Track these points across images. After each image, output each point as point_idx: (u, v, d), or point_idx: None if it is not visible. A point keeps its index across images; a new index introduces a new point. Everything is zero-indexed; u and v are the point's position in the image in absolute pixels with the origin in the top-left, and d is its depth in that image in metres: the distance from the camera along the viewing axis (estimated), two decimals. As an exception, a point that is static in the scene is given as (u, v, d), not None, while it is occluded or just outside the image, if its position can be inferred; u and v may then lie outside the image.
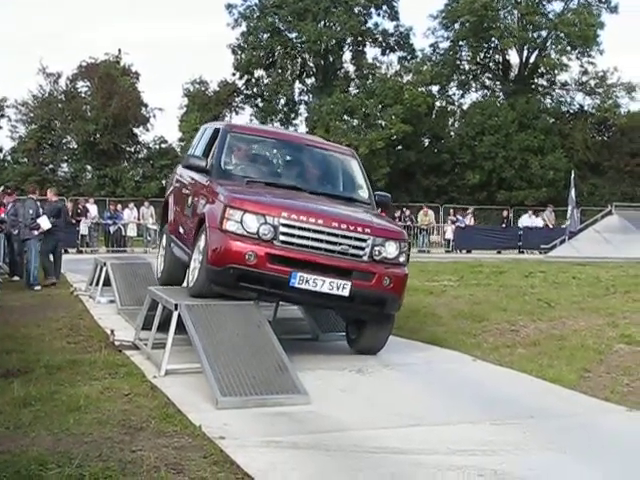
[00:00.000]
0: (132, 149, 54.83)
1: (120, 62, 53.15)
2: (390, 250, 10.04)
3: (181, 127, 55.67)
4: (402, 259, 10.24)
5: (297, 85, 59.36)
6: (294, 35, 56.92)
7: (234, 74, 57.78)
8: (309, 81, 59.68)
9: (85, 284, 17.46)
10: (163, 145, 55.24)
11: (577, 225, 39.56)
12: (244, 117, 58.23)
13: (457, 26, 56.57)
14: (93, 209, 37.62)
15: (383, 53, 59.49)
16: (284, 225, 9.57)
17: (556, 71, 57.57)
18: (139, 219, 37.74)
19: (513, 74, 58.54)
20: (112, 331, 11.31)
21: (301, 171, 11.87)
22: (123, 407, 7.85)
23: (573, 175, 41.22)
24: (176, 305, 9.41)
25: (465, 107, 59.00)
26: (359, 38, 58.36)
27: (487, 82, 59.88)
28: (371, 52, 59.51)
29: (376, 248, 9.90)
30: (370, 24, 58.19)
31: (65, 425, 7.16)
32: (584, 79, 57.47)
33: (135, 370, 9.48)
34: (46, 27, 74.03)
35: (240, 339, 8.97)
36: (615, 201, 42.81)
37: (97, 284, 15.96)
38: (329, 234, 9.69)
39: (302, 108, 58.96)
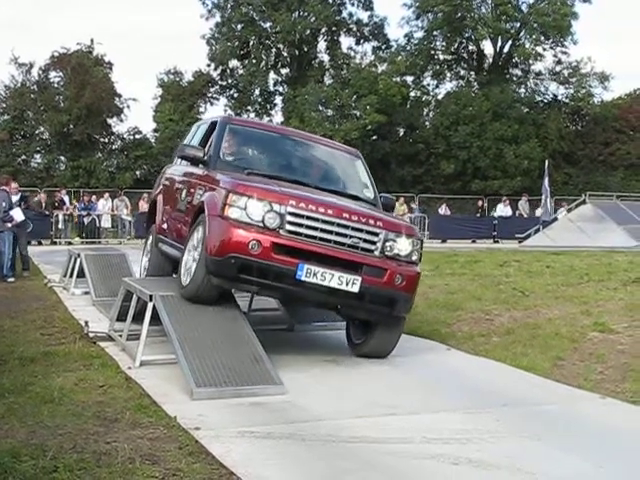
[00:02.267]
0: (106, 140, 54.67)
1: (93, 52, 52.90)
2: (403, 246, 9.46)
3: (155, 117, 55.66)
4: (415, 257, 9.63)
5: (272, 75, 59.45)
6: (268, 25, 57.00)
7: (209, 65, 57.89)
8: (284, 71, 59.75)
9: (59, 275, 17.43)
10: (137, 136, 55.12)
11: (550, 214, 39.75)
12: (219, 108, 58.29)
13: (431, 16, 56.68)
14: (67, 200, 37.55)
15: (357, 43, 59.67)
16: (292, 214, 8.92)
17: (530, 61, 57.88)
18: (113, 210, 37.59)
19: (487, 64, 58.72)
20: (86, 322, 11.25)
21: (305, 166, 11.37)
22: (98, 399, 7.83)
23: (547, 164, 41.41)
24: (151, 296, 9.41)
25: (440, 97, 59.18)
26: (333, 28, 58.43)
27: (461, 72, 60.03)
28: (345, 42, 59.77)
29: (388, 243, 9.33)
30: (344, 14, 58.37)
31: (39, 417, 7.13)
32: (558, 69, 57.79)
33: (110, 361, 9.45)
34: (16, 16, 73.43)
35: (215, 330, 8.97)
36: (589, 190, 42.97)
37: (71, 275, 15.95)
38: (339, 225, 9.08)
39: (277, 98, 58.94)
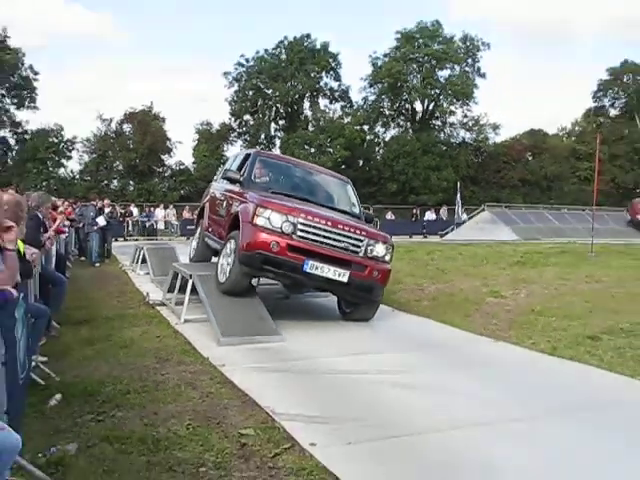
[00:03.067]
0: (160, 169, 54.46)
1: (152, 110, 52.89)
2: (379, 250, 9.23)
3: (193, 154, 55.54)
4: (387, 257, 9.36)
5: (272, 125, 59.14)
6: (270, 91, 56.77)
7: (230, 118, 57.60)
8: (280, 122, 59.37)
9: (129, 262, 17.36)
10: (181, 167, 55.03)
11: (461, 218, 39.88)
12: (236, 147, 58.09)
13: (380, 85, 56.67)
14: (135, 211, 37.67)
15: (330, 102, 59.32)
16: (302, 224, 8.74)
17: (446, 115, 57.88)
18: (165, 217, 37.60)
19: (418, 117, 58.61)
20: (147, 293, 11.25)
21: (311, 188, 10.91)
22: (155, 345, 7.84)
23: (459, 185, 41.55)
24: (190, 275, 9.42)
25: (386, 139, 58.97)
26: (314, 93, 58.28)
27: (401, 122, 59.74)
28: (322, 102, 59.48)
29: (369, 247, 9.12)
30: (322, 83, 58.11)
31: (117, 357, 7.16)
32: (465, 120, 57.79)
33: (163, 320, 9.43)
34: (98, 82, 73.21)
35: (233, 297, 8.91)
36: (487, 202, 43.09)
37: (137, 262, 15.87)
38: (335, 233, 8.89)
39: (276, 141, 58.74)
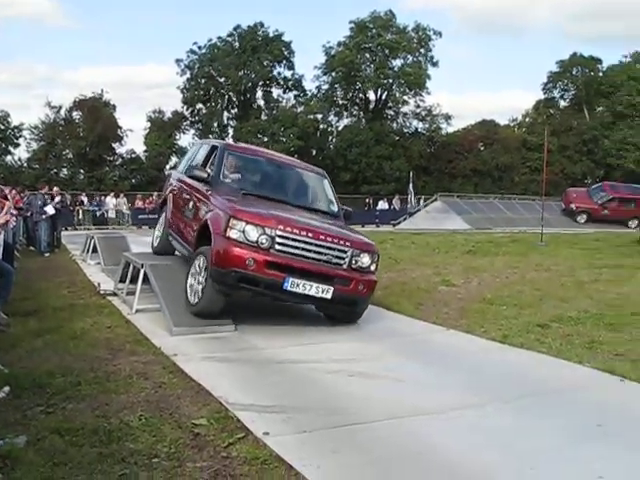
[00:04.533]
0: (111, 158, 53.83)
1: (103, 97, 52.21)
2: (364, 260, 8.45)
3: (145, 143, 55.00)
4: (373, 267, 8.61)
5: (225, 114, 58.77)
6: (223, 80, 56.38)
7: (182, 106, 57.10)
8: (233, 111, 59.05)
9: (79, 251, 17.10)
10: (133, 155, 54.46)
11: (414, 208, 40.20)
12: (188, 136, 57.64)
13: (334, 74, 56.69)
14: (85, 200, 37.27)
15: (284, 92, 59.22)
16: (280, 236, 7.92)
17: (399, 105, 58.25)
18: (116, 206, 37.18)
19: (371, 107, 58.78)
20: (99, 284, 11.11)
21: (286, 187, 9.99)
22: (107, 335, 7.75)
23: (411, 174, 41.83)
24: (142, 264, 9.31)
25: (339, 129, 59.06)
26: (267, 82, 58.06)
27: (354, 112, 59.94)
28: (276, 91, 59.31)
29: (354, 258, 8.34)
30: (275, 72, 57.94)
31: (67, 348, 7.05)
32: (418, 110, 58.15)
33: (115, 310, 9.33)
34: (49, 72, 71.91)
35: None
36: (439, 192, 43.48)
37: (88, 251, 15.63)
38: (317, 245, 8.09)
39: (229, 130, 58.34)
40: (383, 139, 54.42)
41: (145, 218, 35.04)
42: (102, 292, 10.59)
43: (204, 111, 57.45)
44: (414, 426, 4.95)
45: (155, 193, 38.84)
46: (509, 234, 24.80)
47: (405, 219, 38.65)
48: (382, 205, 43.18)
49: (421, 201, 42.14)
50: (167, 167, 54.49)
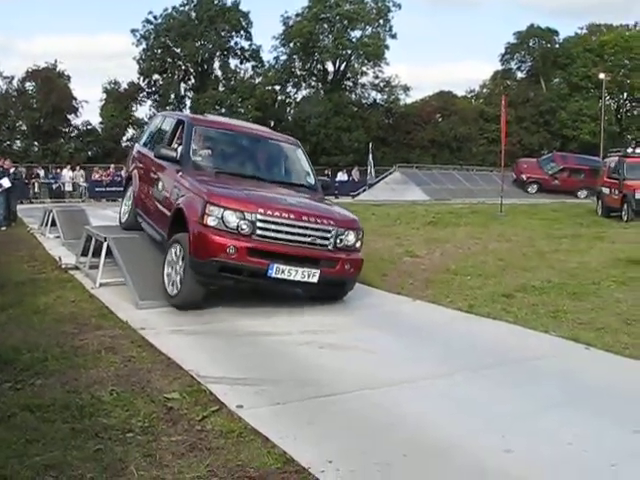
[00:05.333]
0: (67, 130, 52.99)
1: (57, 68, 51.23)
2: (350, 238, 8.06)
3: (101, 114, 54.24)
4: (358, 245, 8.23)
5: (182, 85, 58.06)
6: (179, 50, 55.60)
7: (139, 78, 56.22)
8: (190, 82, 58.35)
9: (37, 225, 16.82)
10: (89, 127, 53.73)
11: (373, 179, 40.30)
12: (145, 107, 56.99)
13: (292, 45, 56.29)
14: (41, 172, 36.69)
15: (241, 62, 58.66)
16: (261, 221, 7.48)
17: (358, 76, 58.18)
18: (73, 179, 36.63)
19: (329, 78, 58.56)
20: (60, 257, 10.97)
21: (259, 161, 9.51)
22: (71, 310, 7.66)
23: (371, 146, 41.92)
24: (105, 238, 9.16)
25: (298, 100, 58.81)
26: (225, 52, 57.46)
27: (312, 83, 59.68)
28: (233, 62, 58.69)
29: (339, 237, 7.94)
30: (232, 42, 57.35)
31: (31, 323, 6.96)
32: (376, 82, 58.14)
33: (78, 284, 9.21)
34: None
35: (151, 259, 8.77)
36: (398, 163, 43.65)
37: (46, 225, 15.37)
38: (300, 227, 7.67)
39: (187, 101, 57.70)
40: (342, 110, 54.36)
41: (103, 191, 34.72)
42: (64, 266, 10.44)
43: (161, 82, 56.70)
44: (386, 397, 4.98)
45: (112, 165, 38.44)
46: (469, 205, 25.06)
47: (364, 190, 38.76)
48: (341, 176, 43.17)
49: (379, 172, 42.19)
50: (124, 139, 53.87)
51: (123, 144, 53.34)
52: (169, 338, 6.49)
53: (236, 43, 57.73)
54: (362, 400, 4.90)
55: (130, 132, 54.36)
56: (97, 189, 35.12)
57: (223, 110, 52.14)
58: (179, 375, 5.34)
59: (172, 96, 56.64)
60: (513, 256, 11.49)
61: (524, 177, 38.53)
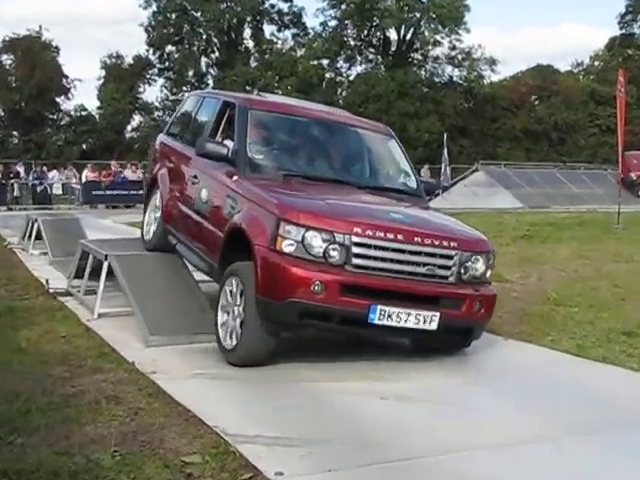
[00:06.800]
0: (55, 116, 54.05)
1: (41, 37, 52.17)
2: (478, 266, 7.35)
3: (99, 96, 55.04)
4: (488, 275, 7.55)
5: (203, 59, 58.86)
6: (199, 14, 56.35)
7: (147, 50, 57.23)
8: (214, 56, 59.14)
9: (17, 238, 17.09)
10: (83, 113, 54.57)
11: (449, 180, 40.16)
12: (156, 88, 57.71)
13: (343, 6, 56.65)
14: (22, 171, 37.32)
15: (279, 30, 59.49)
16: (358, 244, 6.79)
17: (429, 47, 58.37)
18: (63, 180, 37.23)
19: (392, 49, 58.82)
20: (47, 280, 11.07)
21: (341, 159, 9.00)
22: (61, 348, 7.70)
23: (445, 137, 41.84)
24: (106, 255, 9.21)
25: (351, 78, 59.13)
26: (257, 17, 58.22)
27: (370, 56, 60.15)
28: (268, 29, 59.43)
29: (464, 265, 7.23)
30: (267, 4, 58.24)
31: (10, 365, 6.98)
32: (453, 54, 58.31)
33: (71, 314, 9.29)
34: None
35: (164, 284, 8.86)
36: (480, 159, 43.49)
37: (29, 238, 15.61)
38: (412, 252, 6.96)
39: (209, 80, 58.37)
40: (408, 91, 54.45)
41: (101, 195, 35.07)
42: (52, 291, 10.57)
43: (176, 55, 57.59)
44: (470, 463, 4.93)
45: (113, 162, 38.83)
46: (574, 214, 24.80)
47: (437, 195, 38.58)
48: (407, 177, 43.15)
49: (457, 172, 42.01)
50: (129, 128, 54.51)
51: (127, 135, 54.07)
52: (188, 385, 6.52)
53: (272, 5, 58.49)
54: (440, 466, 4.86)
55: (137, 119, 55.13)
56: (94, 193, 35.48)
57: (255, 92, 52.61)
58: (201, 433, 5.35)
59: (190, 73, 57.46)
60: (635, 282, 11.32)
61: (634, 176, 37.69)
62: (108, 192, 35.01)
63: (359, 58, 59.73)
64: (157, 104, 58.53)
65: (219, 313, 7.55)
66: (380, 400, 6.20)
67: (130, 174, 36.39)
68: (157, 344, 7.76)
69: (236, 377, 6.85)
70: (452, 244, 7.19)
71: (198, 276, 9.13)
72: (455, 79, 58.81)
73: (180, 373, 6.86)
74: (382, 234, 6.89)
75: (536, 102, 58.51)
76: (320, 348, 7.82)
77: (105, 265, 9.20)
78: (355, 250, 6.80)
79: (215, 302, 7.87)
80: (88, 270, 9.95)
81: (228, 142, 8.43)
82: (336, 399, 6.24)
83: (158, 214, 9.92)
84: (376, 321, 6.76)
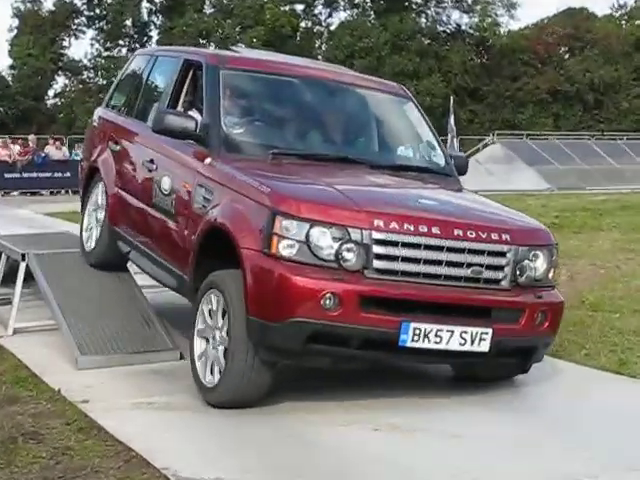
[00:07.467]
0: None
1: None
2: (539, 264, 6.85)
3: (11, 53, 54.74)
4: (551, 275, 7.08)
5: (145, 4, 58.69)
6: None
7: (73, -7, 57.02)
8: (158, 0, 58.98)
9: None
10: (-11, 74, 54.40)
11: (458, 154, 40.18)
12: (85, 42, 57.49)
13: None
14: None
15: (241, -32, 59.28)
16: (380, 242, 6.29)
17: (431, -14, 58.37)
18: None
19: (384, -9, 58.92)
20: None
21: (346, 131, 8.56)
22: (-36, 373, 7.71)
23: (451, 101, 41.86)
24: (23, 255, 9.20)
25: (333, 28, 59.17)
26: (213, -49, 58.09)
27: (356, 0, 60.08)
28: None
29: (521, 264, 6.72)
30: None
31: None
32: (461, -4, 58.31)
33: (-25, 331, 9.27)
34: None
35: (99, 291, 8.85)
36: (496, 129, 43.58)
37: None
38: (452, 250, 6.47)
39: (152, 31, 58.33)
40: (404, 44, 54.54)
41: (16, 178, 34.84)
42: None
43: (109, 0, 57.33)
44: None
45: (31, 136, 38.64)
46: (616, 196, 24.89)
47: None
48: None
49: (468, 144, 42.11)
50: (50, 93, 54.33)
51: (49, 102, 53.90)
52: (129, 416, 6.52)
53: None
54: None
55: (61, 82, 54.94)
56: (7, 176, 35.20)
57: (211, 45, 52.67)
58: (146, 476, 5.36)
59: (128, 23, 57.31)
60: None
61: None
62: (25, 175, 34.79)
63: (342, 2, 59.88)
64: (86, 62, 58.42)
65: (195, 341, 7.08)
66: (374, 432, 6.22)
67: (54, 151, 36.23)
68: (89, 366, 7.74)
69: (189, 407, 6.84)
70: (504, 237, 6.73)
71: (142, 280, 9.14)
72: (464, 28, 58.93)
73: (119, 402, 6.85)
74: (412, 227, 6.41)
75: (566, 56, 58.70)
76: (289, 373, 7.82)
77: (22, 267, 9.20)
78: (377, 250, 6.32)
79: (165, 314, 7.92)
80: (0, 274, 9.98)
81: (194, 113, 8.03)
82: (317, 431, 6.25)
83: (102, 214, 9.45)
84: (409, 343, 6.29)
